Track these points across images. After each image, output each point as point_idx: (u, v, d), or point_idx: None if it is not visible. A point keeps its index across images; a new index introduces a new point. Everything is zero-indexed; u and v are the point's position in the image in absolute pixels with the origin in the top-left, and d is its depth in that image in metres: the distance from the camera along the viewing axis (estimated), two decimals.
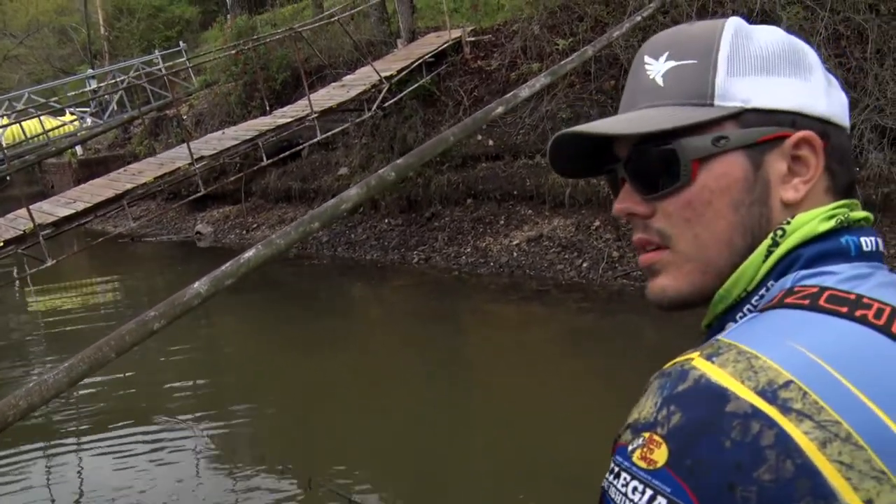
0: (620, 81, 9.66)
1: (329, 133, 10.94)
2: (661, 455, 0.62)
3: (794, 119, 0.77)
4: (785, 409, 0.60)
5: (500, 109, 6.57)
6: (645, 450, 0.63)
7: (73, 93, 18.91)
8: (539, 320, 8.07)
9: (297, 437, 6.24)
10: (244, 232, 13.84)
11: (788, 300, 0.70)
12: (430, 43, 12.10)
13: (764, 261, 0.75)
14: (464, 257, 10.12)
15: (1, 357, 9.08)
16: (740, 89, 0.77)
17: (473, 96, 11.27)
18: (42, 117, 16.70)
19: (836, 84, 0.83)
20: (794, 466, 0.58)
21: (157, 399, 7.32)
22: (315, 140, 10.57)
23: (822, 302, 0.68)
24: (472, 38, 11.91)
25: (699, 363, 0.64)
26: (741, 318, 0.75)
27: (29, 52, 27.90)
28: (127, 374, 7.67)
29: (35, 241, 7.97)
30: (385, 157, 11.47)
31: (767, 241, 0.75)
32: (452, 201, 11.03)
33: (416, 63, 11.30)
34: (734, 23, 0.81)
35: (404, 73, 11.17)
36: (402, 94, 11.33)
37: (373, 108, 10.91)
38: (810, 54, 0.81)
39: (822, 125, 0.78)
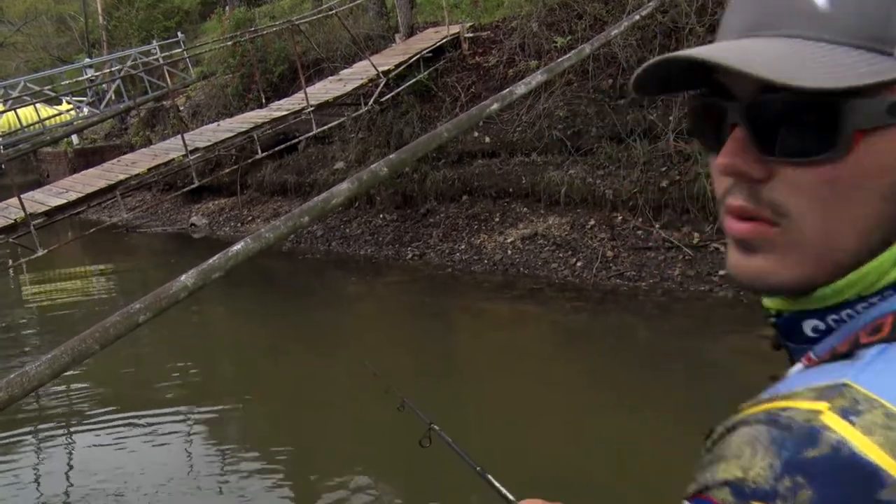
0: (618, 80, 9.62)
1: (325, 127, 10.89)
2: None
3: None
4: None
5: (495, 106, 6.53)
6: None
7: (68, 81, 18.80)
8: (532, 319, 8.04)
9: (286, 429, 6.21)
10: (239, 224, 13.79)
11: None
12: (429, 38, 12.05)
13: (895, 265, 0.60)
14: (458, 254, 10.08)
15: None
16: None
17: (471, 93, 11.22)
18: (38, 106, 16.63)
19: None
20: None
21: (148, 388, 7.30)
22: (311, 134, 10.54)
23: None
24: (471, 35, 11.86)
25: (833, 422, 0.50)
26: (836, 322, 0.63)
27: (26, 39, 27.85)
28: (119, 362, 7.66)
29: (26, 231, 7.93)
30: (381, 152, 11.42)
31: None
32: (448, 198, 10.99)
33: (414, 58, 11.26)
34: None
35: (402, 67, 11.13)
36: (399, 89, 11.29)
37: (370, 103, 10.87)
38: None
39: None
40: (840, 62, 0.57)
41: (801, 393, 0.53)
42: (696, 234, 8.40)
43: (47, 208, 8.20)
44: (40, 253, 7.92)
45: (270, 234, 4.88)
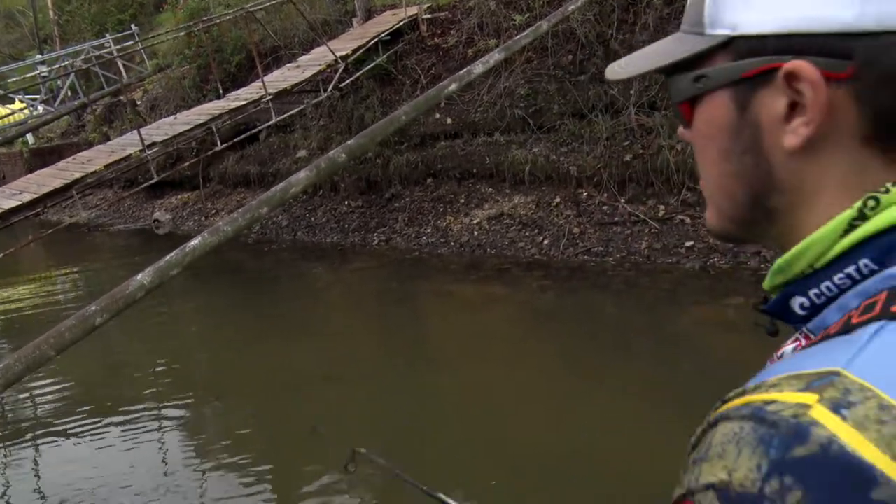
0: (578, 56, 9.57)
1: (285, 115, 10.74)
2: None
3: (806, 43, 0.58)
4: None
5: (453, 86, 6.46)
6: None
7: (17, 78, 18.34)
8: (500, 300, 8.00)
9: (258, 424, 6.13)
10: (203, 218, 13.60)
11: None
12: (386, 21, 11.91)
13: (842, 235, 0.59)
14: (424, 237, 10.02)
15: None
16: (731, 10, 0.62)
17: (431, 74, 11.11)
18: None
19: None
20: None
21: (117, 387, 7.16)
22: (271, 123, 10.38)
23: None
24: (429, 16, 11.73)
25: (823, 416, 0.46)
26: (818, 297, 0.61)
27: None
28: (87, 360, 7.52)
29: None
30: (343, 139, 11.27)
31: (851, 212, 0.58)
32: (412, 181, 10.90)
33: (372, 42, 11.12)
34: None
35: (360, 52, 10.99)
36: (358, 74, 11.16)
37: (329, 89, 10.72)
38: None
39: (850, 42, 0.57)
40: (668, 49, 0.69)
41: (788, 381, 0.50)
42: (661, 207, 8.41)
43: (1, 211, 7.99)
44: None
45: (228, 228, 4.78)
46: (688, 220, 8.16)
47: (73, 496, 5.18)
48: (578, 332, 6.96)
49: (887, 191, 0.58)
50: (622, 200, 8.71)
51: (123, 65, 16.20)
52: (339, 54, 10.63)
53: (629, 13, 9.35)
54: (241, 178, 13.62)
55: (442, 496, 1.47)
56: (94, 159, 9.30)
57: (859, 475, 0.44)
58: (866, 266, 0.57)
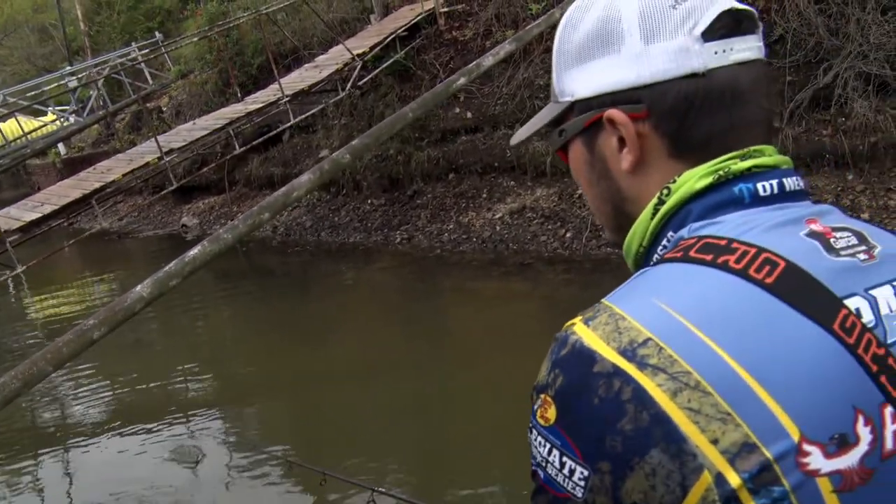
0: None
1: (304, 116, 10.69)
2: (552, 413, 0.69)
3: (614, 97, 0.80)
4: (641, 365, 0.64)
5: (461, 80, 6.34)
6: (542, 409, 0.70)
7: (48, 88, 18.55)
8: (521, 295, 7.86)
9: (288, 423, 6.11)
10: (230, 222, 13.62)
11: (668, 255, 0.75)
12: (404, 16, 11.79)
13: (651, 218, 0.79)
14: (446, 234, 9.89)
15: None
16: (568, 83, 0.84)
17: (449, 68, 10.95)
18: (21, 119, 16.44)
19: (669, 29, 0.77)
20: (649, 416, 0.63)
21: (148, 394, 7.14)
22: (290, 124, 10.35)
23: (692, 252, 0.71)
24: (446, 9, 11.57)
25: (578, 328, 0.69)
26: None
27: (9, 52, 27.57)
28: (118, 369, 7.56)
29: (3, 249, 7.77)
30: None
31: (654, 200, 0.79)
32: (434, 177, 10.78)
33: (390, 38, 11.01)
34: (568, 13, 0.85)
35: (377, 49, 10.89)
36: (376, 72, 11.06)
37: (347, 88, 10.64)
38: (625, 19, 0.79)
39: (640, 93, 0.78)
40: (542, 115, 0.90)
41: (579, 314, 0.72)
42: None
43: (22, 223, 8.05)
44: (19, 270, 7.78)
45: (229, 235, 4.72)
46: None
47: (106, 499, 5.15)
48: None
49: (674, 181, 0.78)
50: None
51: (149, 72, 16.31)
52: (356, 52, 10.54)
53: None
54: (266, 180, 13.60)
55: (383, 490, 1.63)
56: (114, 168, 9.33)
57: (587, 358, 0.66)
58: (672, 236, 0.78)
